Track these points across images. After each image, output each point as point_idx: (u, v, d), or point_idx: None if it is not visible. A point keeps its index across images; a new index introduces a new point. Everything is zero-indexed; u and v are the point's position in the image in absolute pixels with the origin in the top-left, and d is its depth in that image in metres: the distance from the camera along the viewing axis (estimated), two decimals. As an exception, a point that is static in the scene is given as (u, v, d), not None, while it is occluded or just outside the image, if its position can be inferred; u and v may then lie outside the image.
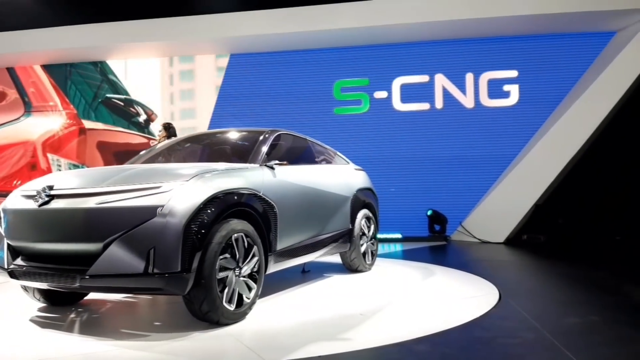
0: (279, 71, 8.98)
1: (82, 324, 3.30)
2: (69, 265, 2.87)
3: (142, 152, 4.55)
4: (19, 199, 3.17)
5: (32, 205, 3.02)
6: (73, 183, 3.06)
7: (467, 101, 8.55)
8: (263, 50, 8.92)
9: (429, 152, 8.54)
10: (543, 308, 3.74)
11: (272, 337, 2.96)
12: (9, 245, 3.14)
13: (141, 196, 2.85)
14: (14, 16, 8.70)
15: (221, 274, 3.03)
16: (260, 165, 3.79)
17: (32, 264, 3.01)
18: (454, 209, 8.13)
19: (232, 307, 3.10)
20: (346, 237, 4.90)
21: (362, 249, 5.14)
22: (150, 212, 2.79)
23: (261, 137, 4.13)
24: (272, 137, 4.16)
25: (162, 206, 2.81)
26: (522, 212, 7.88)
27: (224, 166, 3.48)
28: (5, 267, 3.10)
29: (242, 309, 3.19)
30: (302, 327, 3.14)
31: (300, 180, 4.16)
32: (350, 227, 4.97)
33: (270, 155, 3.97)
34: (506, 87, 8.42)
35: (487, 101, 8.49)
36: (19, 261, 3.08)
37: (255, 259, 3.33)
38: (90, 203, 2.87)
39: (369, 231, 5.30)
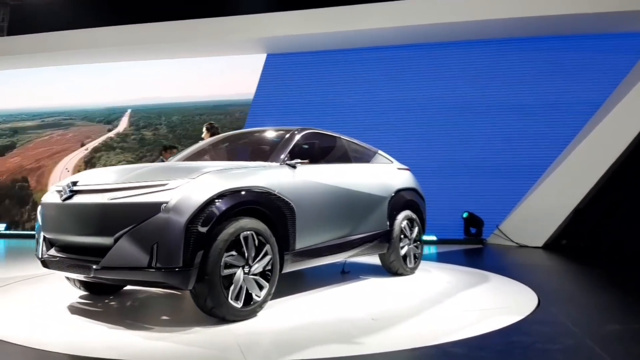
0: (319, 71, 9.16)
1: (111, 313, 3.51)
2: (89, 257, 3.08)
3: (180, 153, 4.78)
4: (52, 194, 3.47)
5: (58, 199, 3.29)
6: (94, 180, 3.28)
7: (505, 101, 8.36)
8: (300, 50, 9.15)
9: (466, 152, 8.47)
10: (583, 314, 3.68)
11: (274, 336, 2.96)
12: (44, 237, 3.44)
13: (149, 193, 2.99)
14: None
15: (227, 271, 3.08)
16: (281, 164, 3.81)
17: (61, 255, 3.28)
18: (491, 211, 8.00)
19: (239, 305, 3.14)
20: (383, 238, 4.79)
21: (403, 251, 4.98)
22: (155, 208, 2.91)
23: (287, 136, 4.16)
24: (298, 136, 4.17)
25: (166, 203, 2.92)
26: (561, 216, 7.69)
27: (238, 165, 3.55)
28: (40, 256, 3.41)
29: (251, 307, 3.22)
30: (312, 328, 3.11)
31: (326, 180, 4.12)
32: (388, 228, 4.85)
33: (295, 154, 3.98)
34: (545, 88, 8.24)
35: (524, 101, 8.29)
36: (52, 251, 3.37)
37: (268, 257, 3.35)
38: (104, 199, 3.06)
39: (411, 233, 5.13)
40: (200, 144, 4.93)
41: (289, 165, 3.83)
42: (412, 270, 5.12)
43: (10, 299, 4.02)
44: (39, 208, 3.58)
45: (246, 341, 2.82)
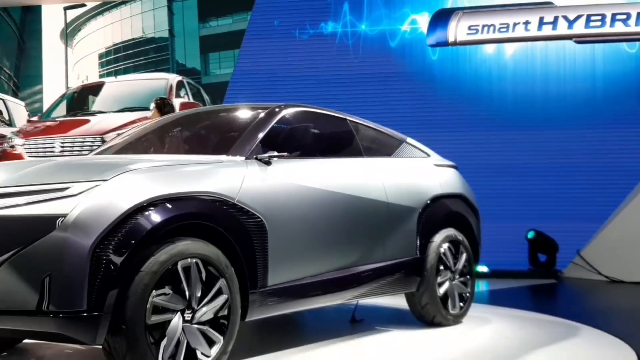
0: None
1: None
2: None
3: (115, 140, 4.83)
4: None
5: None
6: None
7: (586, 60, 8.62)
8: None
9: (529, 142, 8.58)
10: None
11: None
12: None
13: (39, 201, 3.01)
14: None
15: (156, 318, 3.08)
16: (247, 157, 3.81)
17: None
18: (567, 232, 8.05)
19: (175, 369, 3.15)
20: (410, 270, 4.77)
21: (442, 290, 4.94)
22: (48, 224, 2.93)
23: (259, 117, 4.17)
24: (276, 117, 4.18)
25: (64, 216, 2.94)
26: None
27: (180, 160, 3.57)
28: None
29: (194, 372, 3.23)
30: None
31: (316, 182, 4.12)
32: (418, 255, 4.81)
33: (270, 144, 3.98)
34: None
35: (620, 61, 8.53)
36: None
37: (223, 297, 3.35)
38: None
39: (455, 263, 5.08)
40: (141, 127, 4.97)
41: (259, 160, 3.83)
42: (457, 319, 5.07)
43: None
44: None
45: None
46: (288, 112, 4.35)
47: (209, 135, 4.55)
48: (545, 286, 7.35)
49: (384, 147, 5.07)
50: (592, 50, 8.65)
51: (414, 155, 5.28)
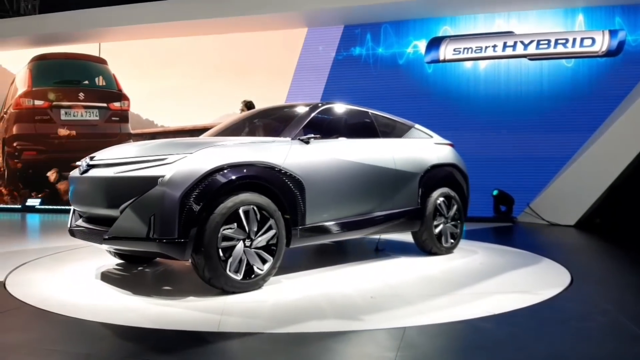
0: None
1: (132, 280, 3.76)
2: (103, 227, 3.32)
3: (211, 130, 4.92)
4: (77, 168, 3.77)
5: (78, 173, 3.57)
6: (109, 155, 3.51)
7: (536, 72, 8.40)
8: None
9: (497, 131, 8.45)
10: (618, 292, 3.62)
11: (273, 308, 3.03)
12: (74, 209, 3.77)
13: (149, 167, 3.15)
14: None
15: (225, 244, 3.17)
16: (293, 138, 3.81)
17: (85, 225, 3.56)
18: (521, 189, 7.79)
19: (238, 277, 3.22)
20: (413, 216, 4.64)
21: (437, 230, 4.80)
22: (153, 182, 3.06)
23: (303, 111, 4.15)
24: (314, 112, 4.14)
25: (163, 177, 3.06)
26: (595, 194, 7.53)
27: (244, 140, 3.61)
28: (68, 226, 3.74)
29: (252, 280, 3.29)
30: (316, 303, 3.12)
31: (343, 155, 4.06)
32: (419, 205, 4.68)
33: (310, 130, 3.96)
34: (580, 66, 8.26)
35: (558, 79, 8.32)
36: (79, 222, 3.68)
37: (272, 231, 3.40)
38: (111, 173, 3.27)
39: (448, 211, 4.92)
40: (230, 120, 5.04)
41: (301, 140, 3.82)
42: (449, 250, 4.91)
43: (54, 267, 4.40)
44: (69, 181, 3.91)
45: (245, 309, 2.94)
46: (324, 107, 4.30)
47: (273, 124, 4.57)
48: (505, 228, 7.14)
49: (396, 131, 4.93)
50: (541, 65, 8.48)
51: (420, 137, 5.11)
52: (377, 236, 5.09)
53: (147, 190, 3.05)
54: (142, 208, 3.05)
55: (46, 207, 10.42)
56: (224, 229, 3.16)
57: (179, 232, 3.02)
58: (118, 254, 4.26)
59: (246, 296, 3.22)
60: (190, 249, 3.07)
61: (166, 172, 3.07)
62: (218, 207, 3.15)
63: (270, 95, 8.56)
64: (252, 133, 4.60)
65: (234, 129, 4.62)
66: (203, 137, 4.23)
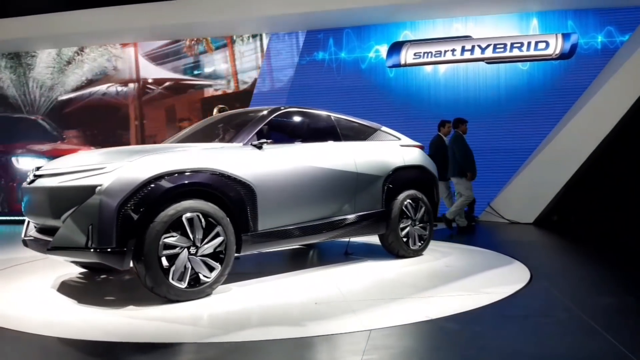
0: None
1: (93, 291, 3.69)
2: (49, 237, 3.28)
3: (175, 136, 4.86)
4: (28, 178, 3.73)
5: (26, 183, 3.55)
6: (54, 165, 3.47)
7: (493, 75, 8.48)
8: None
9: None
10: (576, 288, 3.73)
11: (213, 317, 2.97)
12: (27, 219, 3.74)
13: (88, 176, 3.10)
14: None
15: (168, 252, 3.12)
16: (245, 144, 3.76)
17: (35, 235, 3.53)
18: (481, 189, 7.67)
19: (182, 285, 3.16)
20: (378, 219, 4.56)
21: (404, 232, 4.71)
22: (91, 191, 3.01)
23: (258, 116, 4.09)
24: (270, 116, 4.07)
25: (100, 185, 3.02)
26: (552, 192, 7.66)
27: (190, 147, 3.55)
28: (22, 237, 3.71)
29: (198, 288, 3.23)
30: (264, 310, 3.08)
31: (298, 160, 3.99)
32: (383, 208, 4.61)
33: (266, 134, 3.90)
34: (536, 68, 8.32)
35: (515, 81, 8.41)
36: (32, 232, 3.64)
37: (220, 238, 3.34)
38: (55, 182, 3.23)
39: (415, 213, 4.83)
40: (193, 126, 4.99)
41: (253, 145, 3.77)
42: (417, 253, 4.82)
43: (10, 281, 4.19)
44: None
45: (188, 317, 2.92)
46: (282, 112, 4.23)
47: (233, 130, 4.51)
48: (466, 227, 7.01)
49: (360, 134, 4.83)
50: (498, 68, 8.50)
51: (386, 139, 5.01)
52: (346, 239, 5.02)
53: (85, 199, 3.01)
54: (81, 218, 3.01)
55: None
56: (165, 237, 3.11)
57: (117, 242, 2.97)
58: (79, 263, 4.23)
59: (199, 304, 3.16)
60: (130, 258, 3.02)
61: (104, 181, 3.03)
62: (159, 215, 3.10)
63: (233, 102, 8.53)
64: (212, 139, 4.54)
65: (195, 135, 4.57)
66: (154, 145, 4.19)
